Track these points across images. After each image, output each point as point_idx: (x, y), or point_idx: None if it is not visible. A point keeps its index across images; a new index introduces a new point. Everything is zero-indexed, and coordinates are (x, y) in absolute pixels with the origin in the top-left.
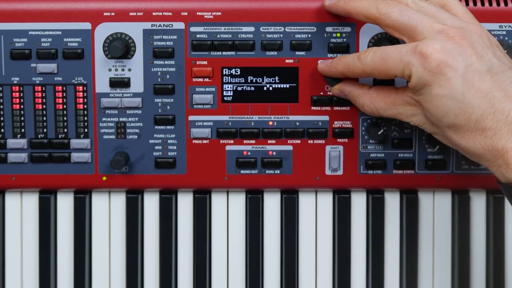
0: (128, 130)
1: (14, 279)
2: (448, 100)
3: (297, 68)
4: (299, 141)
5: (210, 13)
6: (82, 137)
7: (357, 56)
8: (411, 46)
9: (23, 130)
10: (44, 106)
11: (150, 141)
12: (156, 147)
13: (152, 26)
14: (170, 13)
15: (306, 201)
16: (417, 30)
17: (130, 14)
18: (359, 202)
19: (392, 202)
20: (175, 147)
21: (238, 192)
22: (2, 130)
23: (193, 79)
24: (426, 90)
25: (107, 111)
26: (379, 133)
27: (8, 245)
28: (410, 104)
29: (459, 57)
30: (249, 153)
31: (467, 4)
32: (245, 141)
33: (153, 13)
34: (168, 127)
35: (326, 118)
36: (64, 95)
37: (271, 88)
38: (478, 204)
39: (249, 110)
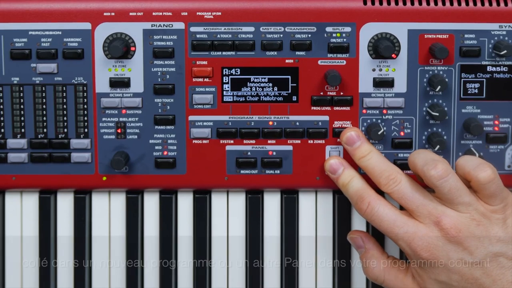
0: (128, 130)
1: (14, 279)
2: (437, 283)
3: (297, 68)
4: (299, 141)
5: (210, 13)
6: (82, 137)
7: (357, 203)
8: (403, 230)
9: (23, 130)
10: (44, 106)
11: (150, 141)
12: (156, 147)
13: (152, 26)
14: (170, 13)
15: (306, 201)
16: (415, 213)
17: (130, 14)
18: None
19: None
20: (175, 147)
21: (238, 192)
22: (2, 130)
23: (193, 79)
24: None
25: (107, 111)
26: (379, 133)
27: (8, 245)
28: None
29: (450, 253)
30: (249, 153)
31: (467, 4)
32: (245, 141)
33: (153, 13)
34: (168, 127)
35: (326, 118)
36: (64, 95)
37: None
38: None
39: (249, 110)
